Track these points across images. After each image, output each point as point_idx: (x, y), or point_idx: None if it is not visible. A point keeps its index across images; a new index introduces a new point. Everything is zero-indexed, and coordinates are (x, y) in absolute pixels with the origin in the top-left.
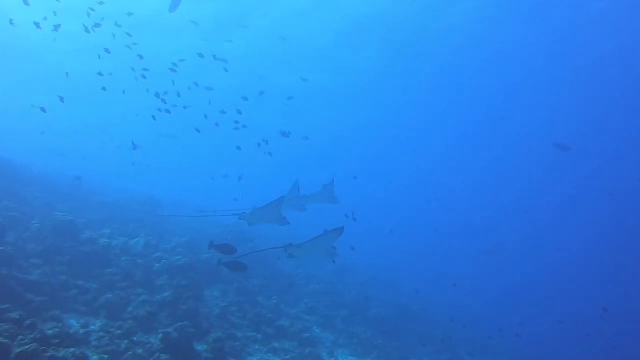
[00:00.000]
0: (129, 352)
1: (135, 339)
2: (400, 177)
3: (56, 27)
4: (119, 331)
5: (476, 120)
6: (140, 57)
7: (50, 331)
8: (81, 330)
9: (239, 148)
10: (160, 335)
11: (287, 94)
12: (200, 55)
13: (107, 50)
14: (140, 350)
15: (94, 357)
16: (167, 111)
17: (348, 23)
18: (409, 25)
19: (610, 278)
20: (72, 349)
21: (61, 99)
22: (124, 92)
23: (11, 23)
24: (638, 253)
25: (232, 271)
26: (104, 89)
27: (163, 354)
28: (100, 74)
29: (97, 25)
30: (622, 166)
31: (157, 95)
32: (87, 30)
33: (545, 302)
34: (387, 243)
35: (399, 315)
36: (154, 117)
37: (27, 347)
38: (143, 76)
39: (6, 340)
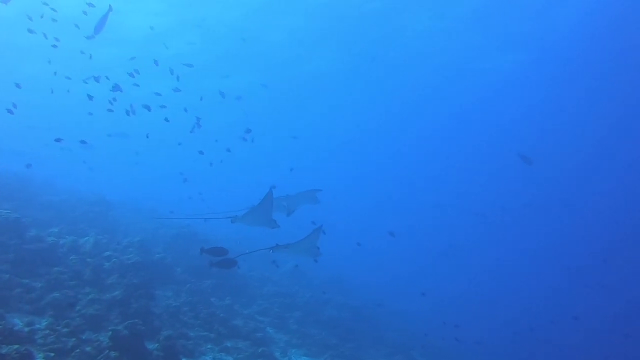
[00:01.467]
0: (77, 350)
1: (83, 337)
2: (357, 179)
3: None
4: (66, 329)
5: (436, 125)
6: (90, 56)
7: None
8: (26, 329)
9: (201, 153)
10: (110, 333)
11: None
12: (156, 62)
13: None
14: (88, 348)
15: (40, 355)
16: (133, 112)
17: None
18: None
19: (564, 284)
20: (16, 346)
21: (14, 105)
22: (68, 92)
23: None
24: (593, 260)
25: (224, 269)
26: (52, 91)
27: (112, 352)
28: (55, 73)
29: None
30: (581, 177)
31: (112, 100)
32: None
33: (498, 307)
34: (343, 246)
35: (354, 317)
36: (90, 97)
37: None
38: (96, 79)
39: None
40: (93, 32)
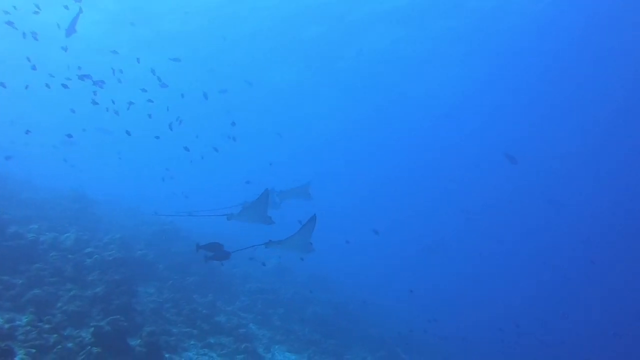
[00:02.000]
0: (59, 346)
1: (65, 333)
2: (342, 177)
3: None
4: (47, 326)
5: (418, 119)
6: (65, 49)
7: None
8: (6, 326)
9: (187, 149)
10: (92, 329)
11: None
12: (137, 60)
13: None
14: (70, 345)
15: (21, 351)
16: (116, 112)
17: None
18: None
19: (551, 282)
20: None
21: None
22: (49, 87)
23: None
24: (582, 260)
25: (219, 260)
26: (26, 87)
27: (95, 348)
28: (34, 68)
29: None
30: (563, 175)
31: (93, 102)
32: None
33: (484, 304)
34: (327, 243)
35: (338, 314)
36: (65, 86)
37: None
38: (81, 78)
39: None
40: (65, 35)
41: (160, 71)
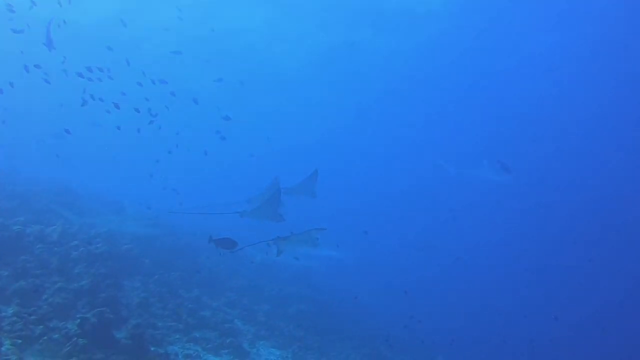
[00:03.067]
0: (45, 337)
1: (51, 325)
2: (330, 176)
3: None
4: (33, 317)
5: (410, 121)
6: (50, 40)
7: None
8: None
9: (177, 146)
10: (78, 320)
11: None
12: (127, 62)
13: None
14: (56, 336)
15: (7, 342)
16: (108, 111)
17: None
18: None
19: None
20: None
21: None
22: (49, 83)
23: None
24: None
25: (226, 249)
26: (11, 84)
27: (81, 339)
28: (26, 69)
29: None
30: (552, 176)
31: (85, 99)
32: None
33: (472, 303)
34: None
35: (323, 311)
36: (46, 79)
37: None
38: (80, 74)
39: None
40: (47, 47)
41: (155, 66)
